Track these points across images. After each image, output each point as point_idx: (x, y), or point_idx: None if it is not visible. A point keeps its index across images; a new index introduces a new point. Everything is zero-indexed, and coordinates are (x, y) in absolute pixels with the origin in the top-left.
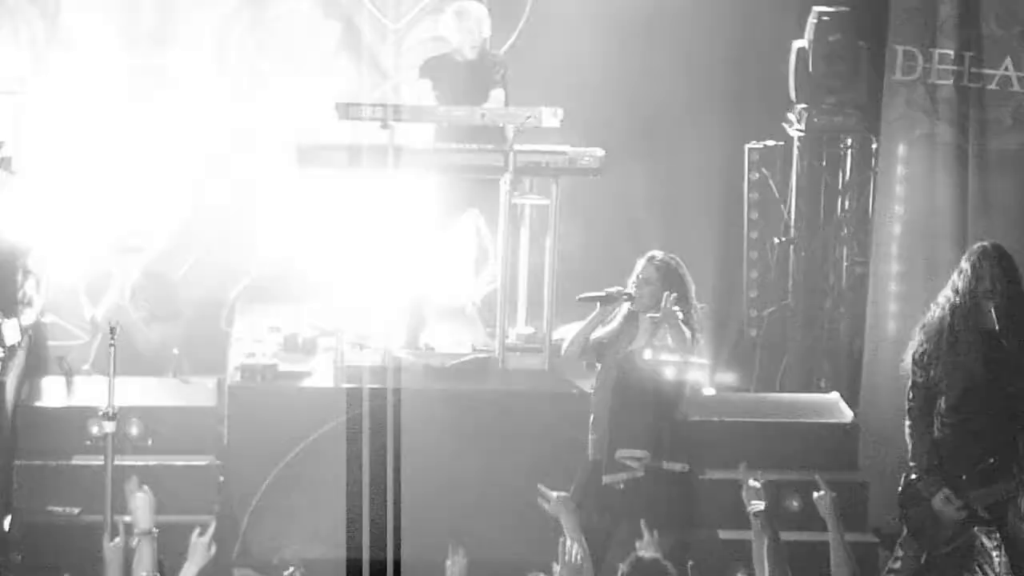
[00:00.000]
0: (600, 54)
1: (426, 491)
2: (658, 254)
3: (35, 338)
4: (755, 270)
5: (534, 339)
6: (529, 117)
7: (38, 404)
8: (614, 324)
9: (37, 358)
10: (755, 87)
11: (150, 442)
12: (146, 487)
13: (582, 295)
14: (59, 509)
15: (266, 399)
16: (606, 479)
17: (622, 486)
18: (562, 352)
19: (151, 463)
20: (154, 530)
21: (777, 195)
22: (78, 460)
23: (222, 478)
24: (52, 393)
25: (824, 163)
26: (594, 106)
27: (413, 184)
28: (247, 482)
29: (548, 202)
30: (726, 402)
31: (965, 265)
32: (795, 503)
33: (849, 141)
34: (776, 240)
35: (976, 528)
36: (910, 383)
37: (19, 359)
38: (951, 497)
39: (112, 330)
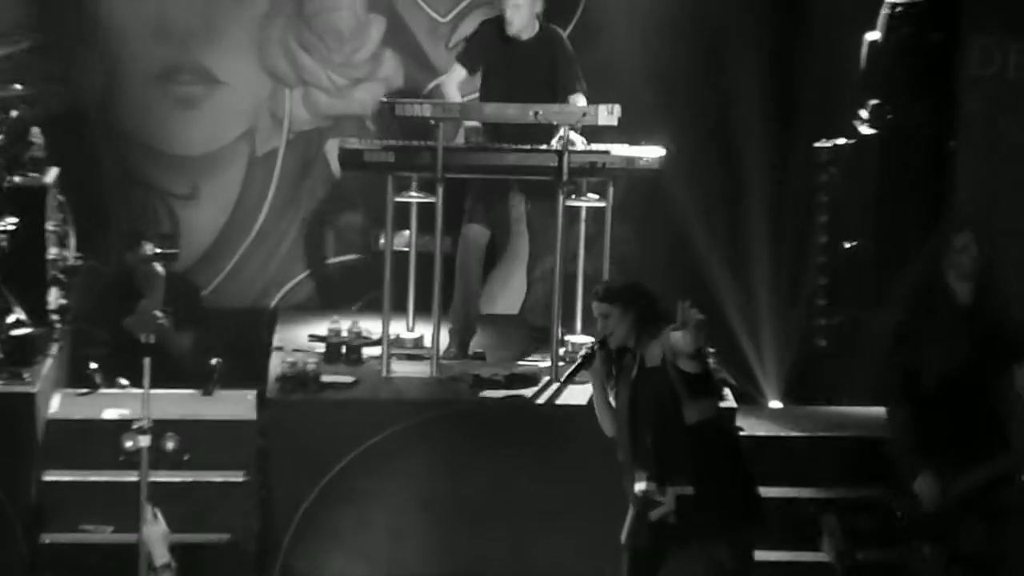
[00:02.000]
0: (659, 49)
1: (478, 508)
2: (598, 287)
3: (65, 347)
4: (823, 276)
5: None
6: (585, 115)
7: (69, 416)
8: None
9: (67, 368)
10: (824, 82)
11: (187, 457)
12: (160, 517)
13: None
14: (91, 527)
15: (308, 411)
16: (652, 515)
17: (671, 519)
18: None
19: (188, 479)
20: (173, 563)
21: (848, 197)
22: (111, 476)
23: (262, 495)
24: (83, 405)
25: (897, 162)
26: (652, 105)
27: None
28: (288, 499)
29: (604, 204)
30: (791, 415)
31: (942, 240)
32: (868, 521)
33: (923, 139)
34: (846, 245)
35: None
36: (889, 362)
37: (49, 369)
38: (933, 480)
39: (146, 339)
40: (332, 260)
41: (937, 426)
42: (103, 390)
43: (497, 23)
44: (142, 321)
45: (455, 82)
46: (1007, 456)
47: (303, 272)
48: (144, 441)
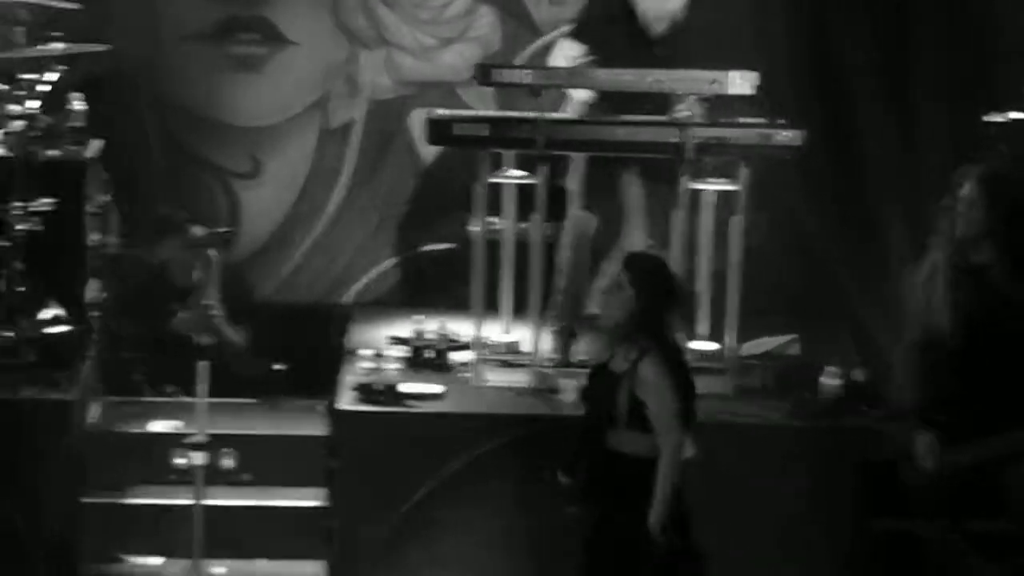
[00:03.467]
0: (797, 16)
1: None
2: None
3: (106, 348)
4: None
5: (717, 357)
6: (714, 82)
7: (111, 429)
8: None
9: (108, 373)
10: (995, 47)
11: (247, 477)
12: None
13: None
14: (135, 558)
15: (387, 426)
16: None
17: None
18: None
19: (248, 502)
20: None
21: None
22: (158, 498)
23: (333, 521)
24: (127, 415)
25: None
26: (788, 79)
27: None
28: (363, 527)
29: (736, 188)
30: None
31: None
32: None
33: None
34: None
35: None
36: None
37: (87, 374)
38: (935, 446)
39: (200, 339)
40: (415, 250)
41: (955, 392)
42: (150, 398)
43: None
44: (196, 319)
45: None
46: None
47: (381, 264)
48: (199, 458)
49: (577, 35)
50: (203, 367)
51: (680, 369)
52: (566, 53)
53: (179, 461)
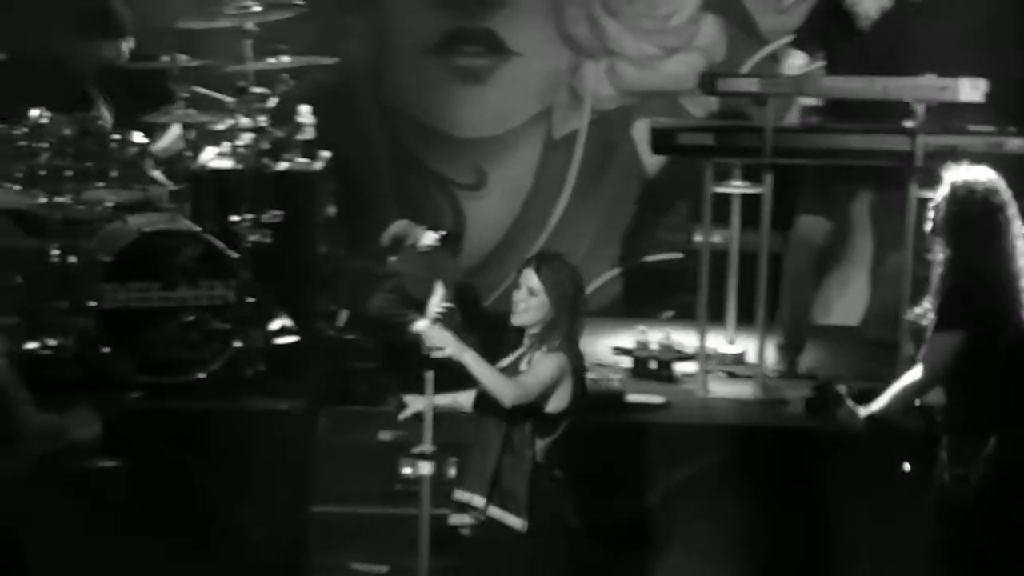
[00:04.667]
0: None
1: (805, 559)
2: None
3: (334, 358)
4: None
5: None
6: (944, 89)
7: (337, 438)
8: None
9: (337, 383)
10: None
11: None
12: None
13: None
14: (362, 567)
15: (612, 436)
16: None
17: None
18: None
19: None
20: None
21: None
22: (385, 508)
23: None
24: (353, 425)
25: None
26: (1016, 85)
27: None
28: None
29: None
30: None
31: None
32: None
33: None
34: None
35: None
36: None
37: (315, 384)
38: (853, 409)
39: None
40: (638, 261)
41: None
42: (377, 407)
43: None
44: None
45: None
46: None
47: (605, 274)
48: (425, 468)
49: (799, 44)
50: (430, 376)
51: None
52: (791, 63)
53: (406, 471)
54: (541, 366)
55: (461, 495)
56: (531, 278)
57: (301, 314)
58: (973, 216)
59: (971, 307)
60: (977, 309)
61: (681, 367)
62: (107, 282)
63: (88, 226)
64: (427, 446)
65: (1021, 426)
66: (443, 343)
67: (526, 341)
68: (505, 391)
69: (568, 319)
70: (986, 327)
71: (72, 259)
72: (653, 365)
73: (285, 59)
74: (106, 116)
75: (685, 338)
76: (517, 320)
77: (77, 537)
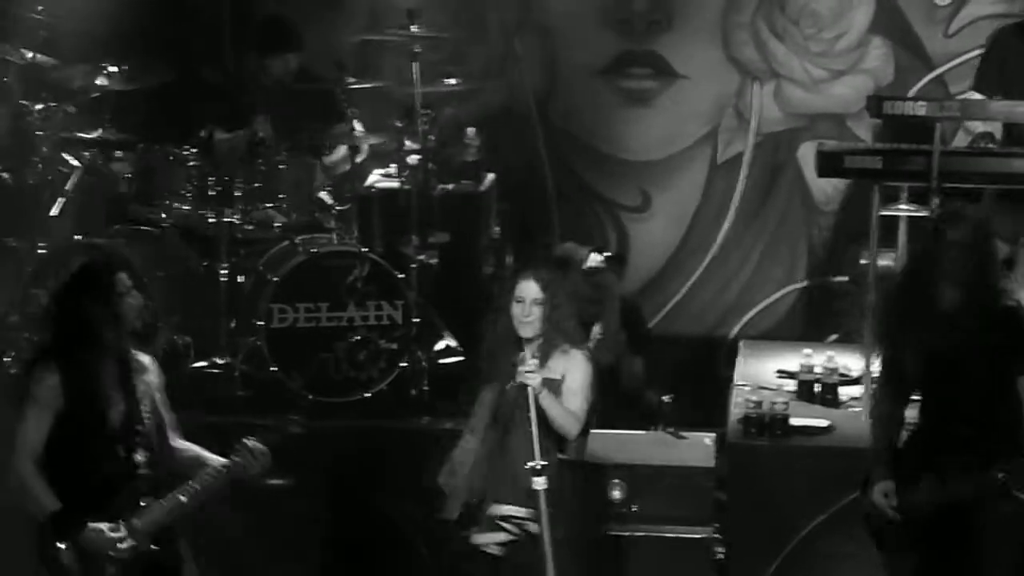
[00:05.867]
0: None
1: None
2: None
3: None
4: None
5: None
6: None
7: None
8: None
9: None
10: None
11: (634, 508)
12: None
13: None
14: None
15: (776, 459)
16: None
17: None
18: None
19: (637, 533)
20: None
21: None
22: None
23: (721, 554)
24: None
25: None
26: None
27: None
28: (751, 559)
29: None
30: None
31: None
32: None
33: None
34: None
35: None
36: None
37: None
38: (890, 493)
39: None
40: (804, 283)
41: (930, 429)
42: None
43: (1019, 30)
44: (606, 344)
45: None
46: None
47: (769, 297)
48: (540, 483)
49: (978, 79)
50: (531, 393)
51: None
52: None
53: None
54: (574, 380)
55: (496, 509)
56: (531, 289)
57: (467, 335)
58: None
59: None
60: None
61: (846, 390)
62: (275, 302)
63: (257, 246)
64: (537, 463)
65: None
66: (534, 380)
67: (534, 351)
68: (572, 427)
69: (569, 308)
70: None
71: (241, 278)
72: (817, 388)
73: (452, 81)
74: (273, 136)
75: (851, 361)
76: (527, 332)
77: (249, 553)
